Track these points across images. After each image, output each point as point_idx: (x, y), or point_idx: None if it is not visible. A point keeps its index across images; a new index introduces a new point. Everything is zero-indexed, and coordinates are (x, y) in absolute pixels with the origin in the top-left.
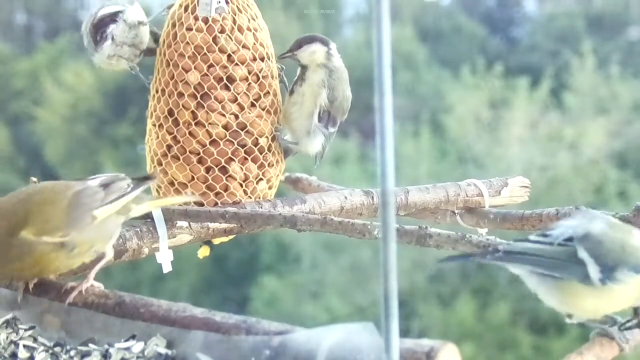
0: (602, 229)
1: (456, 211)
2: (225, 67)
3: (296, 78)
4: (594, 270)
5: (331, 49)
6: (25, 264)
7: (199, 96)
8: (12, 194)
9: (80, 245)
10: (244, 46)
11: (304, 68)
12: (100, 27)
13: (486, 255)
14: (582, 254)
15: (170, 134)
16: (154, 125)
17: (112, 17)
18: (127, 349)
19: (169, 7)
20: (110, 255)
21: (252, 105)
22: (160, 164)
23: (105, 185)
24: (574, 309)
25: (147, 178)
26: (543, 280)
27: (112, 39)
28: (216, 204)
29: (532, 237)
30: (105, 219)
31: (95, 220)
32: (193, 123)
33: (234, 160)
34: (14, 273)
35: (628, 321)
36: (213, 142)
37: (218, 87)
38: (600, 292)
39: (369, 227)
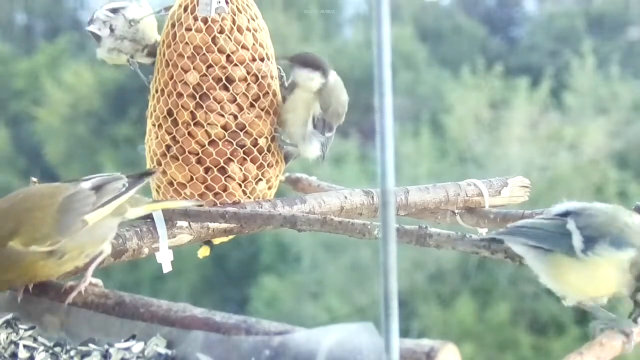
0: (602, 207)
1: (456, 211)
2: (224, 67)
3: (288, 84)
4: (577, 240)
5: (329, 80)
6: (15, 274)
7: (197, 96)
8: (3, 198)
9: (71, 251)
10: (243, 47)
11: (295, 83)
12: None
13: (500, 234)
14: (570, 225)
15: (169, 134)
16: (154, 125)
17: (113, 10)
18: (127, 349)
19: (167, 9)
20: (107, 251)
21: (251, 105)
22: (159, 164)
23: (98, 187)
24: (561, 284)
25: (146, 174)
26: (537, 255)
27: (112, 30)
28: (215, 204)
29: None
30: (98, 223)
31: (86, 225)
32: (192, 123)
33: (232, 160)
34: (8, 282)
35: (631, 313)
36: (212, 143)
37: (217, 87)
38: (582, 265)
39: (369, 227)
